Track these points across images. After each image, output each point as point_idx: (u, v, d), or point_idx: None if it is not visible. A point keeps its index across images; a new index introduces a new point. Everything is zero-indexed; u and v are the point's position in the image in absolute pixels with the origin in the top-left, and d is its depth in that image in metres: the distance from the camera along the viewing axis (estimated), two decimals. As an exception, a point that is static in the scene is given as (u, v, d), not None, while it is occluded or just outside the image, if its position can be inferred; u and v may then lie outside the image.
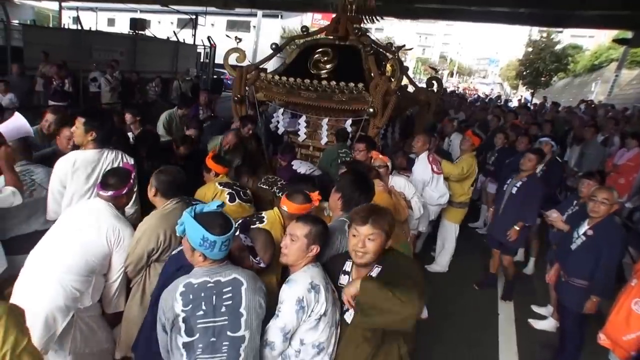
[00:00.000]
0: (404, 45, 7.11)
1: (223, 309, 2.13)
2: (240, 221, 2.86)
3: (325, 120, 5.94)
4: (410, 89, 7.40)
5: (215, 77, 20.76)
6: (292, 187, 3.47)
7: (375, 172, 4.24)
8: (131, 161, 3.51)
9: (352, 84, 5.28)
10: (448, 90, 29.44)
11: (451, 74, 66.87)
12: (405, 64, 7.16)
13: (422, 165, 5.33)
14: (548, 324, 4.93)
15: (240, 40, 6.18)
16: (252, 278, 2.24)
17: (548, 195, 5.50)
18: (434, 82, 7.43)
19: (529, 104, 23.20)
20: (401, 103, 5.89)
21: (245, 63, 6.32)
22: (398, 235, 3.84)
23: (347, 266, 2.46)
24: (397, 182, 4.68)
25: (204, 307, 2.11)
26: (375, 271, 2.33)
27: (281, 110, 6.53)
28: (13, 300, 2.63)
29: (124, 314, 2.99)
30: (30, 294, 2.67)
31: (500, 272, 5.70)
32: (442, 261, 6.01)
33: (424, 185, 5.29)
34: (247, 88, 6.33)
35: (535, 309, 5.29)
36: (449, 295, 5.38)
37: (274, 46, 6.62)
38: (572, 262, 4.05)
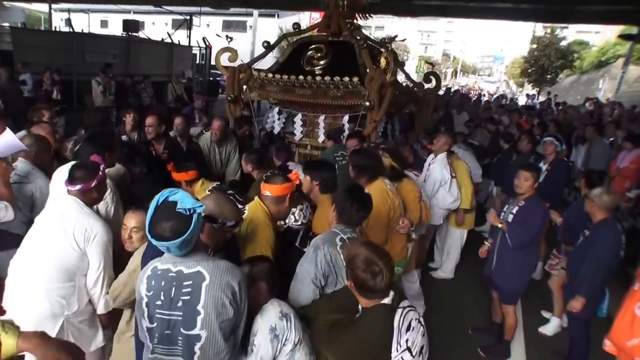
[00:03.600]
0: (396, 36, 7.16)
1: (180, 304, 2.08)
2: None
3: (322, 117, 6.02)
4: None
5: (211, 79, 20.72)
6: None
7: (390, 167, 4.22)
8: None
9: (346, 79, 5.37)
10: (452, 89, 29.58)
11: (455, 73, 66.94)
12: (407, 62, 7.20)
13: (441, 165, 5.26)
14: (553, 326, 4.93)
15: (231, 39, 6.25)
16: (220, 273, 2.10)
17: (555, 196, 5.42)
18: (432, 77, 7.49)
19: (535, 102, 23.27)
20: (399, 99, 5.95)
21: (239, 62, 6.40)
22: (397, 252, 3.90)
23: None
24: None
25: (162, 297, 2.09)
26: None
27: (276, 109, 6.63)
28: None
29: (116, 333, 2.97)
30: (18, 307, 2.73)
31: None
32: (447, 268, 5.96)
33: (439, 186, 5.25)
34: (244, 87, 6.40)
35: (545, 314, 5.23)
36: (455, 302, 5.38)
37: (265, 44, 6.70)
38: (572, 263, 4.06)
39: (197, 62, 21.50)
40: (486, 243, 4.41)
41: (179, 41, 19.88)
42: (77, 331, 2.89)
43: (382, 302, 2.22)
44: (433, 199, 5.25)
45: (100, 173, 2.99)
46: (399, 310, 2.22)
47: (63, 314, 2.81)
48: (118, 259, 3.01)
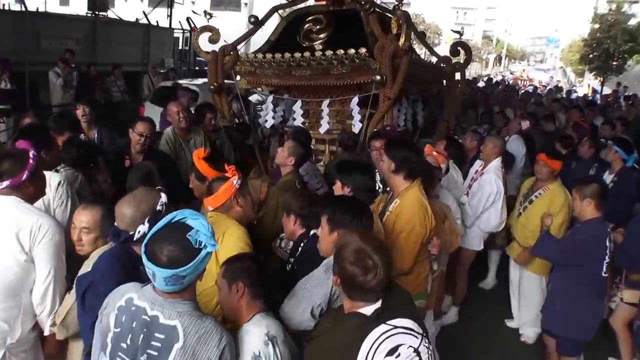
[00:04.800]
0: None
1: (144, 357, 2.10)
2: None
3: (326, 102, 6.04)
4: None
5: (197, 68, 20.63)
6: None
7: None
8: None
9: (352, 51, 5.42)
10: (494, 80, 29.55)
11: (498, 59, 66.80)
12: (438, 48, 7.23)
13: (495, 176, 5.20)
14: None
15: (211, 16, 6.30)
16: (199, 339, 2.11)
17: (623, 213, 5.29)
18: (460, 48, 7.46)
19: (597, 96, 23.04)
20: (420, 74, 5.96)
21: (222, 44, 6.47)
22: (419, 282, 3.82)
23: None
24: (443, 195, 4.65)
25: (128, 342, 2.12)
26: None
27: (270, 97, 6.70)
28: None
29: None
30: None
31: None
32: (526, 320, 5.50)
33: (491, 203, 5.23)
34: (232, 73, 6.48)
35: None
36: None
37: (253, 20, 6.77)
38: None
39: (180, 47, 21.40)
40: None
41: (157, 22, 19.75)
42: None
43: (359, 310, 2.20)
44: (478, 219, 5.26)
45: (32, 162, 2.97)
46: (382, 327, 2.12)
47: (5, 344, 2.82)
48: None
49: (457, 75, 7.45)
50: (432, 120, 7.56)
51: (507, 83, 28.81)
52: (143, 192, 2.77)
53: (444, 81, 7.37)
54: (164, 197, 2.74)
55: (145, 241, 2.07)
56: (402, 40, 5.26)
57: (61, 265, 2.99)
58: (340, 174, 3.67)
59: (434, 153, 4.39)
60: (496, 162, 5.34)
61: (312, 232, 3.20)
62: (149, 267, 2.03)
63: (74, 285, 2.73)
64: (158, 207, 2.66)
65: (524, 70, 55.92)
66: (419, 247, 3.61)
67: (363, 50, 5.39)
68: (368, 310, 2.18)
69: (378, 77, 5.35)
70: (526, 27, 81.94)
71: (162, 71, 16.67)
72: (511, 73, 50.46)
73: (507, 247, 5.58)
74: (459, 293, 5.64)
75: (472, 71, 48.87)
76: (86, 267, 2.74)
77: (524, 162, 7.53)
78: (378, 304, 2.18)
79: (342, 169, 3.74)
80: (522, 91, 21.08)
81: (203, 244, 2.06)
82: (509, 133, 7.90)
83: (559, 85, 33.17)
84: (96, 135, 5.68)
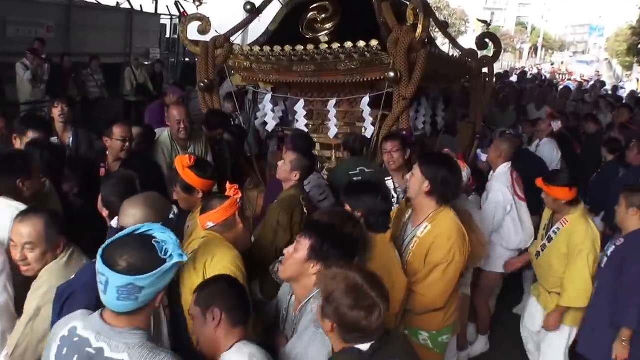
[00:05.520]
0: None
1: None
2: None
3: (333, 102, 6.05)
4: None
5: (187, 60, 20.33)
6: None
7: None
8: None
9: (362, 43, 5.38)
10: (529, 73, 29.41)
11: (534, 50, 66.60)
12: (465, 37, 7.21)
13: (500, 184, 5.14)
14: None
15: (200, 3, 6.32)
16: None
17: None
18: (488, 40, 7.45)
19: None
20: (441, 70, 5.95)
21: (212, 35, 6.50)
22: (451, 312, 3.78)
23: None
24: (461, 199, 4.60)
25: None
26: None
27: (268, 96, 6.69)
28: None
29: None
30: None
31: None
32: None
33: (503, 215, 5.16)
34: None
35: None
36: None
37: (249, 7, 6.78)
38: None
39: (168, 36, 21.25)
40: None
41: (141, 7, 19.79)
42: None
43: (357, 346, 2.22)
44: (495, 234, 5.16)
45: None
46: None
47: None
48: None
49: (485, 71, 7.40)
50: (454, 121, 7.53)
51: (543, 77, 28.63)
52: (157, 195, 2.90)
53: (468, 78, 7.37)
54: (175, 208, 2.89)
55: (103, 245, 2.05)
56: (419, 31, 5.25)
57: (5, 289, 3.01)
58: (349, 197, 3.63)
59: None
60: (503, 168, 5.25)
61: None
62: (103, 273, 1.99)
63: (54, 297, 2.69)
64: (170, 216, 2.76)
65: (562, 63, 55.60)
66: (458, 275, 3.62)
67: (375, 42, 5.36)
68: (365, 346, 2.22)
69: (392, 74, 5.32)
70: (566, 13, 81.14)
71: (146, 63, 16.59)
72: (552, 64, 50.13)
73: (531, 287, 5.25)
74: (481, 321, 5.53)
75: (503, 63, 48.86)
76: (35, 290, 2.78)
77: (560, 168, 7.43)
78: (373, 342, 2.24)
79: (351, 191, 3.70)
80: (561, 86, 20.92)
81: (169, 253, 2.04)
82: (539, 136, 7.84)
83: (601, 79, 32.86)
84: (71, 138, 5.64)
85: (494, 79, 8.52)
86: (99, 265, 2.00)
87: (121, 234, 2.10)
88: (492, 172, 5.39)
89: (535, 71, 36.98)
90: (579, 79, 32.28)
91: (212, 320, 2.44)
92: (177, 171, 3.80)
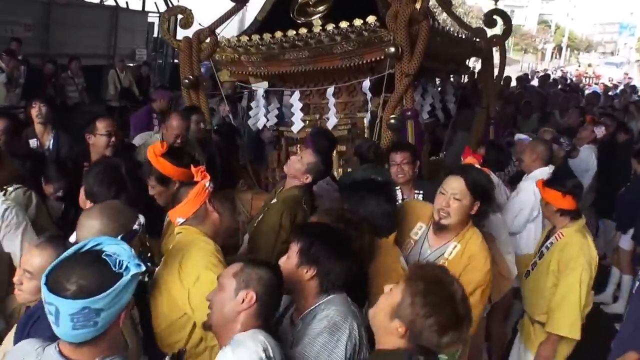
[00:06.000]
0: None
1: None
2: None
3: (331, 91, 6.02)
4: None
5: (176, 61, 20.55)
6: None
7: None
8: None
9: (359, 21, 5.40)
10: (552, 76, 29.29)
11: (558, 50, 66.63)
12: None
13: (534, 186, 5.00)
14: None
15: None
16: None
17: None
18: (497, 17, 7.47)
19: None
20: (445, 49, 5.94)
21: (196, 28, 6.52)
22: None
23: None
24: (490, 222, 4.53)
25: None
26: None
27: (260, 91, 6.69)
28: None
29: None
30: None
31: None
32: None
33: (527, 219, 5.23)
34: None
35: None
36: None
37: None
38: None
39: (156, 35, 21.10)
40: None
41: (127, 3, 19.96)
42: None
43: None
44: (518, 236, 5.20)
45: None
46: None
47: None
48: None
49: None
50: (472, 118, 7.57)
51: (568, 81, 28.53)
52: (118, 204, 2.84)
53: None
54: (142, 218, 2.78)
55: (46, 270, 1.92)
56: (419, 2, 5.28)
57: None
58: (350, 199, 3.55)
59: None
60: (541, 172, 5.23)
61: None
62: (51, 302, 1.86)
63: (17, 326, 2.68)
64: (135, 226, 2.69)
65: (589, 65, 55.46)
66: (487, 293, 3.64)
67: (372, 19, 5.37)
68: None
69: (392, 49, 5.28)
70: (593, 10, 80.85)
71: (131, 65, 16.63)
72: (579, 66, 50.05)
73: (518, 324, 5.04)
74: (496, 343, 5.37)
75: (523, 65, 48.84)
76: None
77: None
78: None
79: (352, 192, 3.61)
80: (588, 91, 20.85)
81: (125, 266, 1.93)
82: (579, 144, 7.79)
83: (629, 83, 32.66)
84: (52, 140, 5.70)
85: (513, 80, 8.55)
86: (44, 293, 1.88)
87: (66, 253, 1.98)
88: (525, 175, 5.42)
89: (559, 74, 36.83)
90: (608, 83, 32.04)
91: (242, 301, 2.45)
92: (150, 161, 3.78)
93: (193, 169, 3.27)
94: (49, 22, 16.24)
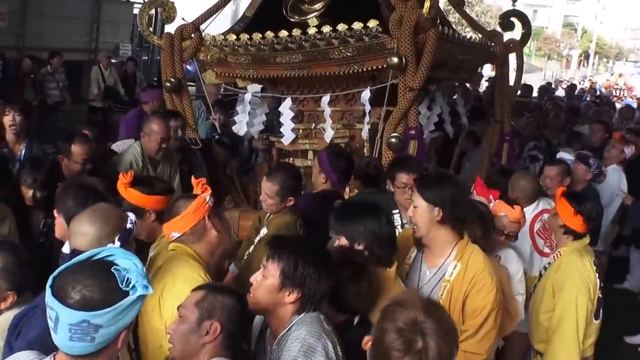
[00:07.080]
0: None
1: None
2: None
3: (326, 99, 5.98)
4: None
5: None
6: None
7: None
8: None
9: (359, 25, 5.36)
10: (579, 87, 29.33)
11: (585, 57, 66.77)
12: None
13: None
14: None
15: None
16: None
17: None
18: (515, 19, 7.48)
19: None
20: (455, 56, 5.93)
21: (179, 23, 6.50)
22: None
23: None
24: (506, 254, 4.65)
25: None
26: None
27: (247, 96, 6.63)
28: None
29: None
30: None
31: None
32: None
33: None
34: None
35: None
36: None
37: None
38: None
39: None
40: None
41: None
42: None
43: None
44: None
45: None
46: None
47: None
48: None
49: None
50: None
51: (597, 92, 28.48)
52: (104, 206, 2.97)
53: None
54: (132, 215, 2.92)
55: (54, 273, 1.99)
56: (427, 5, 5.26)
57: None
58: (345, 226, 3.43)
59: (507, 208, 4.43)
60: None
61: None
62: (52, 307, 1.93)
63: (8, 330, 2.80)
64: (128, 225, 2.81)
65: (620, 75, 55.50)
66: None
67: (374, 23, 5.34)
68: None
69: (395, 60, 5.24)
70: (624, 13, 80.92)
71: (114, 61, 16.63)
72: (611, 75, 50.01)
73: None
74: None
75: (547, 73, 48.98)
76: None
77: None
78: None
79: (346, 218, 3.48)
80: (619, 104, 20.84)
81: (132, 284, 1.98)
82: (607, 164, 7.75)
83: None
84: (24, 150, 5.70)
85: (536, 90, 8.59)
86: (48, 297, 1.94)
87: (77, 258, 2.06)
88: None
89: (586, 84, 36.76)
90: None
91: (205, 333, 2.50)
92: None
93: (193, 180, 3.28)
94: (26, 12, 16.34)
